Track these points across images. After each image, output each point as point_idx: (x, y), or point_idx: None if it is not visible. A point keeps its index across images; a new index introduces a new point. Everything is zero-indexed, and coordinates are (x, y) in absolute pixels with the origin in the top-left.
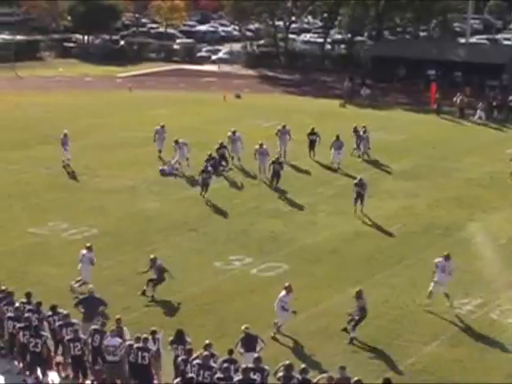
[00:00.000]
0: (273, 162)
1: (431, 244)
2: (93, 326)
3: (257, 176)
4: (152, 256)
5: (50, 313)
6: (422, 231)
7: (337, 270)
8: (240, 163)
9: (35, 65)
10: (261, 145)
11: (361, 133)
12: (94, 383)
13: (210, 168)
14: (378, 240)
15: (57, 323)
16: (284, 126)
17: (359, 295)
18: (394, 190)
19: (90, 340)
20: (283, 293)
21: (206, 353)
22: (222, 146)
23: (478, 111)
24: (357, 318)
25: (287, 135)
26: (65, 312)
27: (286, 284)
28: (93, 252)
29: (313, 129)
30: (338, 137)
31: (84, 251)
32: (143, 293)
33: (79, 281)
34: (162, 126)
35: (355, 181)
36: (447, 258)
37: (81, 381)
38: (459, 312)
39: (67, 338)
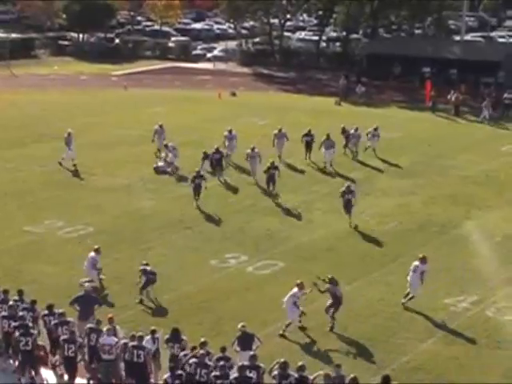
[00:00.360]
0: (268, 168)
1: (427, 242)
2: (89, 325)
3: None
4: (141, 267)
5: (46, 312)
6: (417, 229)
7: (333, 268)
8: (227, 160)
9: (30, 63)
10: (252, 148)
11: (352, 131)
12: (90, 382)
13: (202, 173)
14: (374, 238)
15: (52, 322)
16: (280, 130)
17: (332, 281)
18: (389, 187)
19: (86, 339)
20: (295, 289)
21: (201, 351)
22: (217, 152)
23: (484, 109)
24: (329, 304)
25: (284, 138)
26: (60, 311)
27: (298, 281)
28: (100, 254)
29: (309, 130)
30: (328, 136)
31: (92, 254)
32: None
33: (90, 281)
34: (161, 126)
35: (342, 188)
36: (423, 260)
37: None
38: (455, 309)
39: (62, 337)
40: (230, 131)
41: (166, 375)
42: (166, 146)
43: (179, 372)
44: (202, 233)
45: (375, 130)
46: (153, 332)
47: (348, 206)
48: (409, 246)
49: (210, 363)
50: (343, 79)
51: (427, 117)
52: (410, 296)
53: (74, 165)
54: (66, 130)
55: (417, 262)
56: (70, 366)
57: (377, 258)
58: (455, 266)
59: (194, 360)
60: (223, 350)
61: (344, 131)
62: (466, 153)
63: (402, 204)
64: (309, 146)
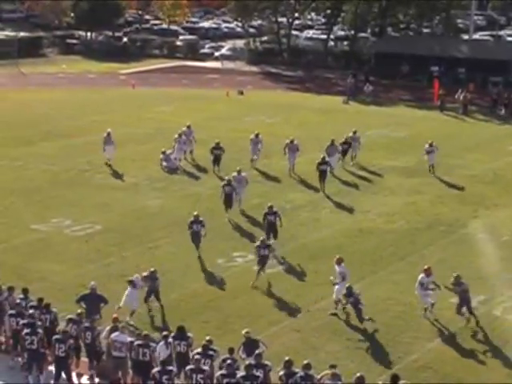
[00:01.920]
0: (266, 214)
1: (434, 241)
2: (84, 324)
3: (263, 173)
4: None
5: (43, 310)
6: (425, 228)
7: None
8: (253, 165)
9: (38, 61)
10: (239, 171)
11: (350, 134)
12: (93, 380)
13: (201, 218)
14: (382, 237)
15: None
16: (292, 141)
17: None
18: (396, 186)
19: (82, 337)
20: (422, 275)
21: (196, 356)
22: (218, 147)
23: None
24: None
25: (296, 150)
26: (78, 311)
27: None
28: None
29: (324, 157)
30: (332, 142)
31: (137, 276)
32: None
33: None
34: (189, 126)
35: (257, 243)
36: (425, 271)
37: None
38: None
39: (55, 337)
40: (257, 135)
41: (155, 370)
42: (179, 135)
43: (169, 368)
44: (210, 231)
45: (354, 133)
46: (165, 337)
47: (261, 263)
48: (416, 245)
49: (205, 368)
50: (351, 78)
51: (435, 116)
52: (425, 307)
53: (109, 164)
54: (111, 131)
55: (423, 275)
56: (61, 366)
57: (384, 257)
58: (462, 265)
59: (189, 367)
60: (231, 351)
61: (346, 142)
62: (473, 152)
63: (409, 203)
64: (323, 175)
